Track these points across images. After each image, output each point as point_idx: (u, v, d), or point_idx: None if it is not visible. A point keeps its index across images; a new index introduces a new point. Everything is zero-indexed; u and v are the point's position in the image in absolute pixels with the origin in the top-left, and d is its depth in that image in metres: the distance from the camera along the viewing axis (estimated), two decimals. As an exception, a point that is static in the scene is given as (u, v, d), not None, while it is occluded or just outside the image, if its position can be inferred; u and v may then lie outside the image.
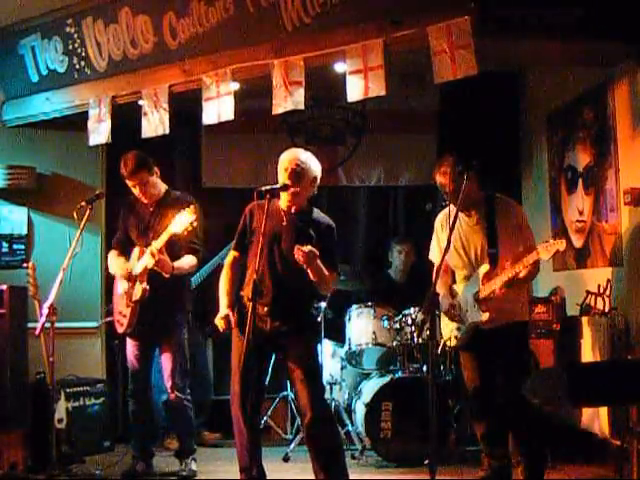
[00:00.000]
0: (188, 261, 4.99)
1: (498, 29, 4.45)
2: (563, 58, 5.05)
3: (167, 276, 4.85)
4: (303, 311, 4.36)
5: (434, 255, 4.69)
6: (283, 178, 4.24)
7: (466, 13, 4.27)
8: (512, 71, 6.42)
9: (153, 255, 4.73)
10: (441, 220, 4.66)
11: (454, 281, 4.63)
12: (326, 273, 4.17)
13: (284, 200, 4.30)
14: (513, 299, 4.36)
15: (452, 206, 4.36)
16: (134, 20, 5.32)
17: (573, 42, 4.63)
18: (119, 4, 5.36)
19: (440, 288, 4.49)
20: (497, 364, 4.38)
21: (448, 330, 4.55)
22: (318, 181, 4.35)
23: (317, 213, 4.40)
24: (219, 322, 4.27)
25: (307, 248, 4.05)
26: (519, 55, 5.10)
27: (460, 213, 4.32)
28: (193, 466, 5.12)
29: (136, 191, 5.05)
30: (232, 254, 4.44)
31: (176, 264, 4.90)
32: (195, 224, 4.62)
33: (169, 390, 5.07)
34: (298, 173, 4.22)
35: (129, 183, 5.04)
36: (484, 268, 4.34)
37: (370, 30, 4.57)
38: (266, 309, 4.21)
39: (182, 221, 4.60)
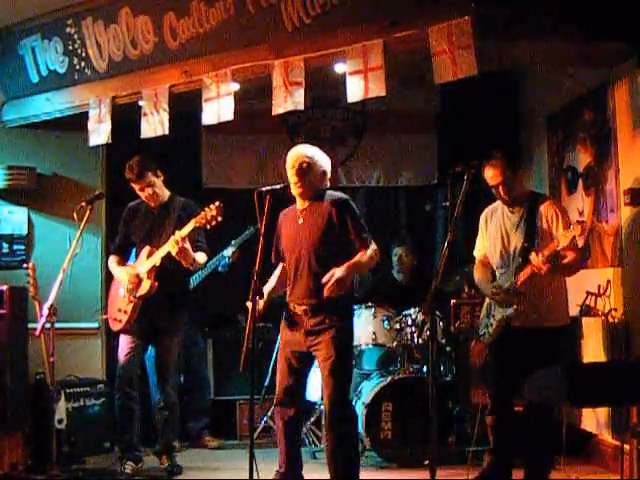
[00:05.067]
0: (201, 257, 5.05)
1: (498, 29, 4.45)
2: (563, 58, 5.05)
3: (186, 266, 4.91)
4: (336, 310, 4.30)
5: (476, 250, 4.74)
6: (290, 176, 4.28)
7: (466, 13, 4.27)
8: (512, 71, 6.42)
9: (177, 242, 4.77)
10: (486, 214, 4.67)
11: (494, 278, 4.62)
12: (362, 260, 4.24)
13: (297, 200, 4.37)
14: (548, 300, 4.36)
15: (497, 202, 4.55)
16: (134, 20, 5.32)
17: (573, 42, 4.63)
18: (119, 4, 5.36)
19: (481, 275, 4.60)
20: (524, 366, 4.36)
21: (483, 324, 4.56)
22: (328, 174, 4.39)
23: (328, 197, 4.37)
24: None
25: (328, 285, 4.10)
26: (519, 55, 5.09)
27: (504, 209, 4.49)
28: (177, 462, 5.18)
29: (144, 194, 5.08)
30: (280, 265, 4.50)
31: (195, 257, 4.94)
32: (220, 220, 4.67)
33: (166, 390, 5.09)
34: (304, 170, 4.26)
35: (136, 187, 5.08)
36: (517, 263, 4.35)
37: (370, 30, 4.57)
38: (304, 308, 4.26)
39: (208, 217, 4.67)
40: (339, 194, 4.41)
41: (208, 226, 4.72)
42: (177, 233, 4.80)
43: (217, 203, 4.69)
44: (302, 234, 4.31)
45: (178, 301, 5.15)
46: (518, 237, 4.41)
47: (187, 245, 4.83)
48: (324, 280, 4.12)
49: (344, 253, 4.24)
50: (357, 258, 4.24)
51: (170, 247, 4.82)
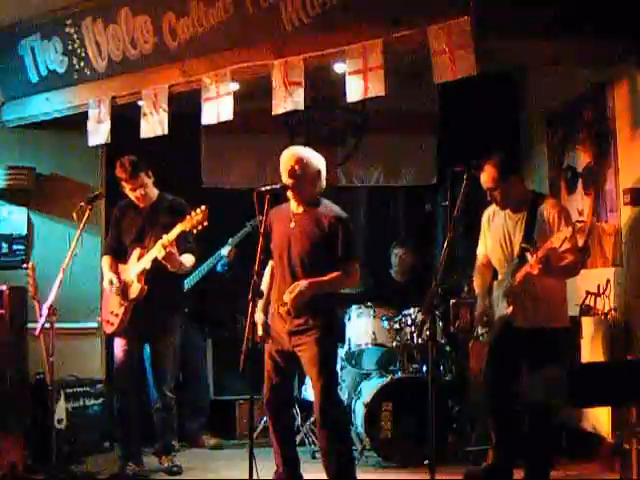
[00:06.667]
0: (189, 259, 5.02)
1: (498, 29, 4.46)
2: (563, 58, 5.05)
3: (172, 270, 4.89)
4: (320, 311, 4.30)
5: (478, 250, 4.72)
6: (283, 178, 4.26)
7: (466, 13, 4.27)
8: (512, 71, 6.42)
9: (165, 247, 4.76)
10: (488, 214, 4.65)
11: (495, 278, 4.60)
12: (331, 281, 4.24)
13: (291, 201, 4.34)
14: (548, 301, 4.34)
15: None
16: (134, 20, 5.31)
17: (573, 42, 4.63)
18: (119, 4, 5.36)
19: (478, 287, 4.59)
20: (525, 367, 4.36)
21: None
22: (323, 175, 4.37)
23: (325, 207, 4.37)
24: (261, 330, 4.34)
25: (287, 299, 4.19)
26: (519, 55, 5.10)
27: (507, 210, 4.44)
28: (177, 462, 5.18)
29: (134, 194, 5.07)
30: (270, 266, 4.48)
31: (182, 260, 4.92)
32: (205, 224, 4.65)
33: (163, 391, 5.09)
34: (296, 172, 4.25)
35: (127, 186, 5.06)
36: (515, 264, 4.33)
37: (370, 30, 4.58)
38: (286, 309, 4.25)
39: (194, 222, 4.66)
40: (339, 210, 4.39)
41: (194, 231, 4.71)
42: (164, 237, 4.79)
43: (202, 207, 4.67)
44: (293, 238, 4.31)
45: (172, 302, 5.14)
46: (519, 238, 4.40)
47: (174, 250, 4.82)
48: (289, 290, 4.19)
49: (329, 265, 4.26)
50: (328, 277, 4.25)
51: (157, 252, 4.81)
